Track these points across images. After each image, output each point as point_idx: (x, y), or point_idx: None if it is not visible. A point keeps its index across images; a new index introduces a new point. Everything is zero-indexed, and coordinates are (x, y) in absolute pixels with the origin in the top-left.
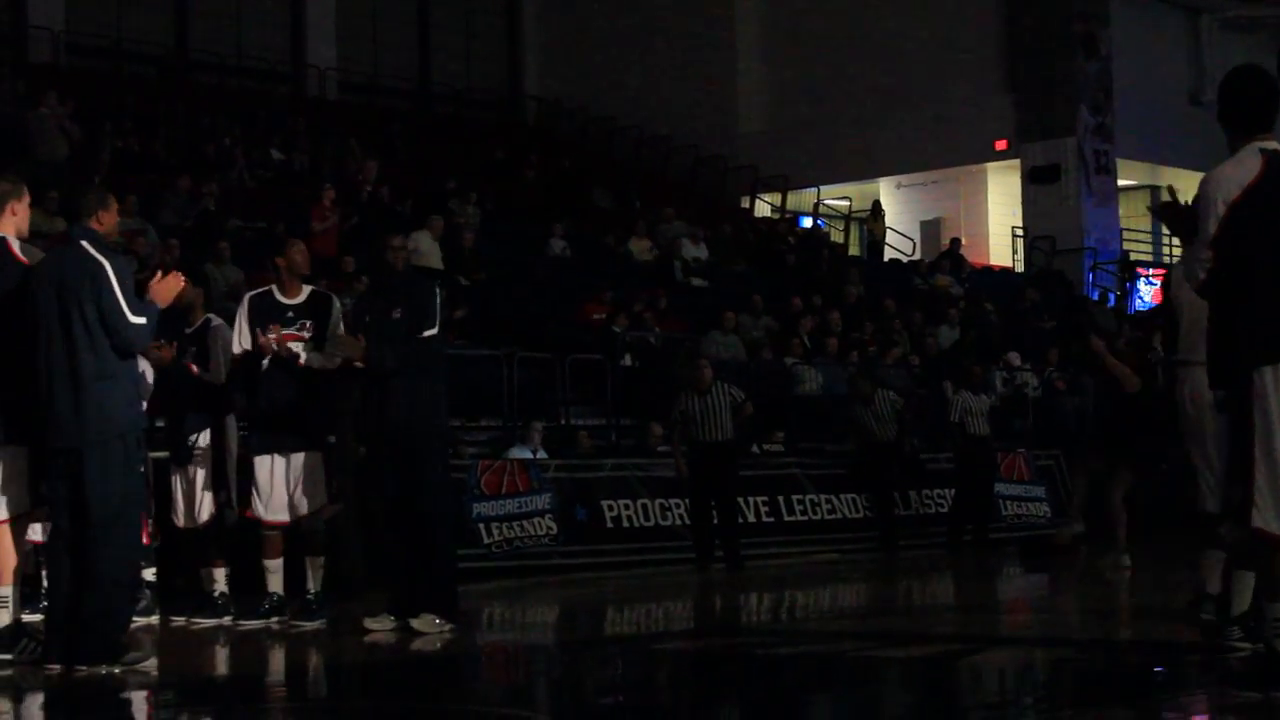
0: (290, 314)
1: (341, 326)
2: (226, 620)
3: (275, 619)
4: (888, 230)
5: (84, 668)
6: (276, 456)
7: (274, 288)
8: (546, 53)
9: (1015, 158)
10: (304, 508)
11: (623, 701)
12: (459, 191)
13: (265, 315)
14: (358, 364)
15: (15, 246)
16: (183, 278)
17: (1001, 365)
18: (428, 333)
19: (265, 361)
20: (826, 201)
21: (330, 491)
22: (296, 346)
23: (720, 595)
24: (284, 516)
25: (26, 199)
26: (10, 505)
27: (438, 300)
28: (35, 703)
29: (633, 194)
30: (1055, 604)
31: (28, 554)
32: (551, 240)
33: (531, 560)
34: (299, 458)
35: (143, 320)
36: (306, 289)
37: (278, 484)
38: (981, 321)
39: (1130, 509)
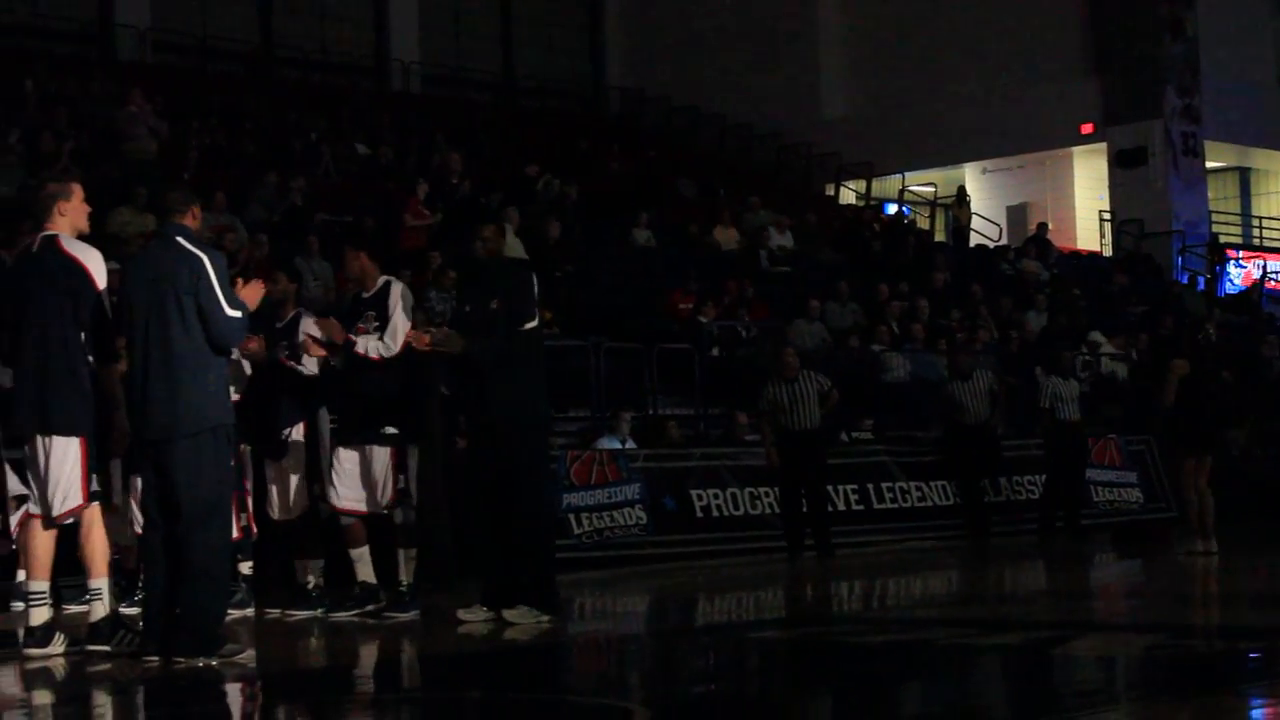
0: (361, 307)
1: (400, 310)
2: (320, 612)
3: (369, 607)
4: (973, 216)
5: (182, 660)
6: (351, 447)
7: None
8: (628, 43)
9: (1101, 141)
10: (381, 498)
11: (716, 691)
12: (544, 175)
13: (352, 314)
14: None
15: (65, 243)
16: (263, 286)
17: (1084, 349)
18: (528, 325)
19: (334, 361)
20: (911, 188)
21: (404, 483)
22: (367, 338)
23: (811, 584)
24: (361, 506)
25: (77, 198)
26: (66, 500)
27: (535, 291)
28: (135, 695)
29: (717, 183)
30: (1148, 590)
31: (131, 548)
32: (636, 231)
33: (622, 550)
34: (375, 449)
35: (239, 314)
36: (382, 280)
37: (353, 474)
38: (1070, 306)
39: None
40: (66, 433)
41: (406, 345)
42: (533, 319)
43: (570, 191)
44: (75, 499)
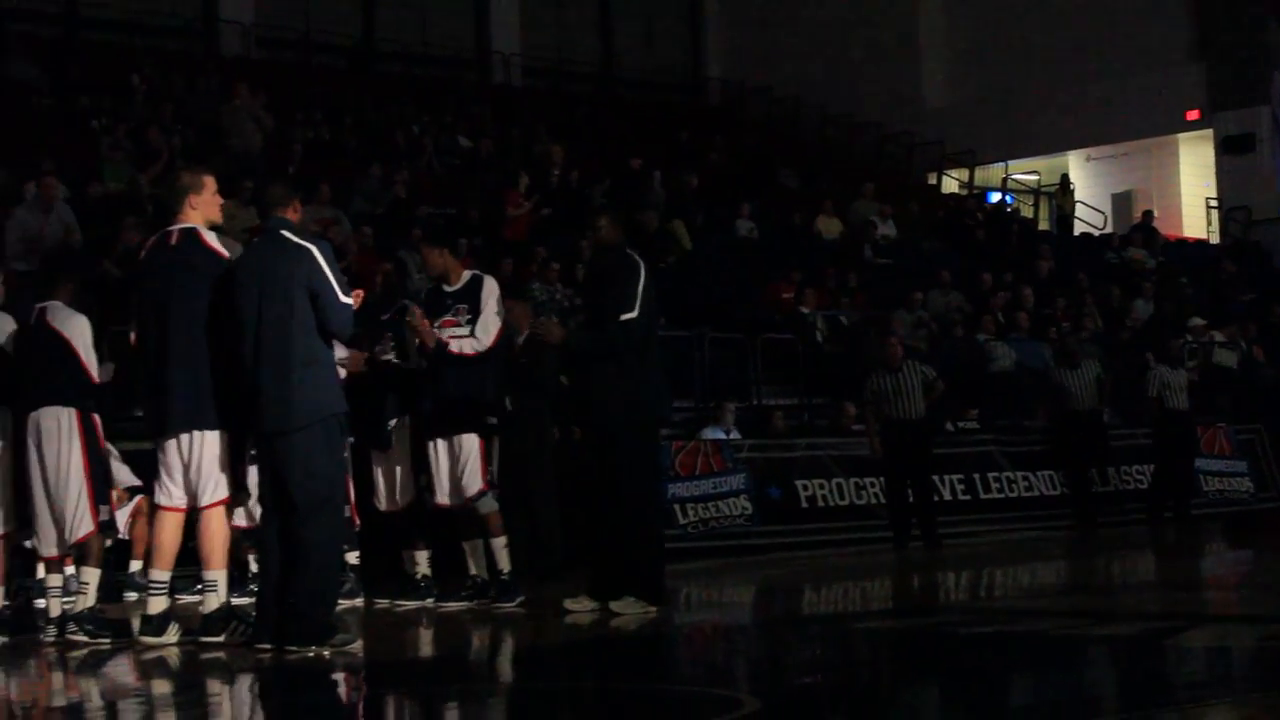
0: (449, 300)
1: (494, 304)
2: (429, 602)
3: (476, 601)
4: (1078, 204)
5: (294, 649)
6: (440, 440)
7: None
8: (728, 33)
9: (1208, 127)
10: (469, 491)
11: (823, 681)
12: (650, 167)
13: (433, 308)
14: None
15: (207, 236)
16: (361, 294)
17: (1189, 336)
18: (624, 316)
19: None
20: (1014, 176)
21: (491, 474)
22: (457, 331)
23: (918, 574)
24: (447, 500)
25: (209, 190)
26: (214, 491)
27: (640, 283)
28: (247, 684)
29: (819, 173)
30: (1260, 580)
31: (236, 539)
32: (739, 221)
33: (727, 540)
34: (462, 440)
35: (350, 302)
36: (467, 274)
37: (443, 467)
38: (1176, 295)
39: None
40: (216, 426)
41: (499, 339)
42: (631, 310)
43: (691, 180)
44: (223, 491)
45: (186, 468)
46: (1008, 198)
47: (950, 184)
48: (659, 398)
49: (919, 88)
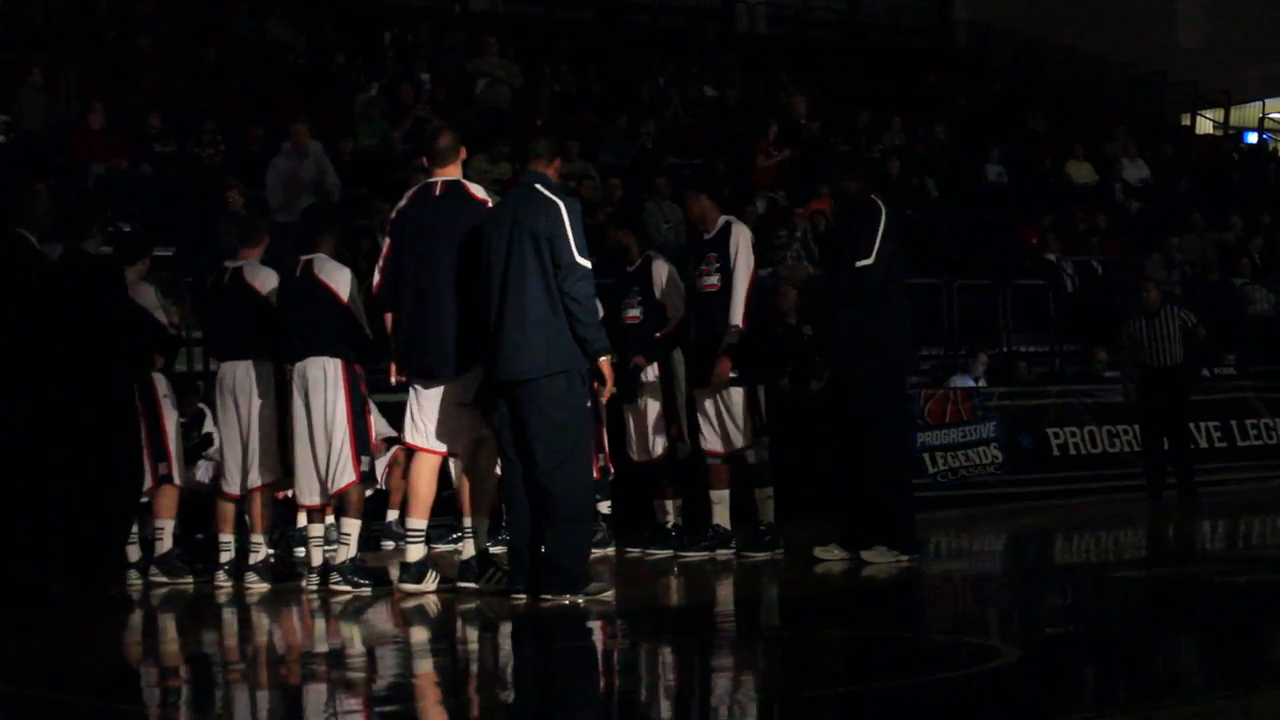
0: (704, 249)
1: (741, 253)
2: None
3: (719, 551)
4: None
5: (548, 597)
6: (708, 390)
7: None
8: None
9: None
10: (739, 441)
11: (1078, 631)
12: (877, 125)
13: (695, 258)
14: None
15: (472, 187)
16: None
17: None
18: (860, 263)
19: None
20: (1273, 115)
21: (758, 423)
22: (709, 280)
23: (1173, 523)
24: (718, 447)
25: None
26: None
27: (879, 230)
28: (504, 631)
29: (1068, 116)
30: None
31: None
32: (987, 166)
33: (977, 489)
34: (730, 390)
35: (588, 264)
36: (721, 220)
37: (711, 417)
38: None
39: None
40: (466, 372)
41: (752, 285)
42: (867, 257)
43: (938, 129)
44: (466, 438)
45: (440, 411)
46: (1265, 137)
47: (1204, 125)
48: (901, 346)
49: (1171, 26)
